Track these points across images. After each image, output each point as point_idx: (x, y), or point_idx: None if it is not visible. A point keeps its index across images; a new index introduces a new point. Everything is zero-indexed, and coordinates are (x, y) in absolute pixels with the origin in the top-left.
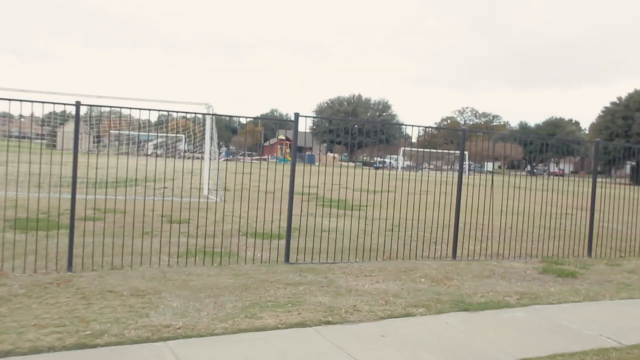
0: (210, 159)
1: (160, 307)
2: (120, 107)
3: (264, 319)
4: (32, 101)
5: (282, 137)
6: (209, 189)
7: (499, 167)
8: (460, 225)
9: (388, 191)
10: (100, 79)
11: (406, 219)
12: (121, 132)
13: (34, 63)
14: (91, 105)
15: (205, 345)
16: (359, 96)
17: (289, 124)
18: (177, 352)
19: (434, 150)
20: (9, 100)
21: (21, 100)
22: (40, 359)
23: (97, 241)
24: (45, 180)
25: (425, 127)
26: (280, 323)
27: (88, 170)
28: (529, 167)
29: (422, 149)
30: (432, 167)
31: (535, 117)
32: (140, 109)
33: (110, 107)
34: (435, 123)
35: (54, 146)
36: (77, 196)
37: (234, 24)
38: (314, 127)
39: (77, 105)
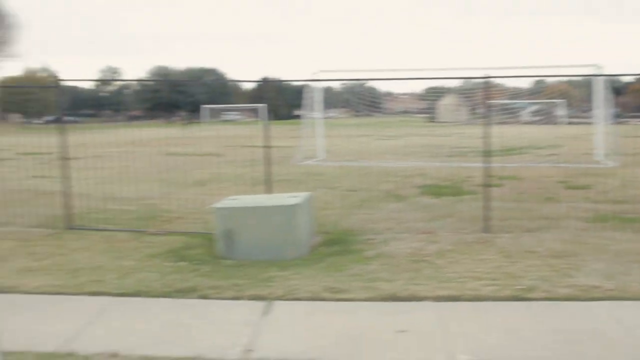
0: (601, 122)
1: (582, 268)
2: (523, 77)
3: None
4: (444, 78)
5: None
6: (603, 154)
7: None
8: None
9: None
10: (469, 50)
11: None
12: (499, 101)
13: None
14: (500, 77)
15: None
16: None
17: None
18: (612, 313)
19: None
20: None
21: (439, 78)
22: (483, 306)
23: (504, 206)
24: (437, 150)
25: None
26: None
27: (473, 140)
28: None
29: None
30: None
31: None
32: (533, 76)
33: (517, 77)
34: None
35: (433, 119)
36: (473, 165)
37: None
38: None
39: (486, 78)
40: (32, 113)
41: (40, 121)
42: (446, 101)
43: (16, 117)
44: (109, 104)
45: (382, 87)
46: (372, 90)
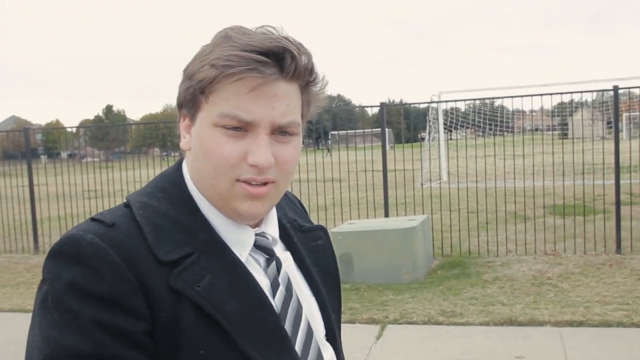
0: None
1: None
2: None
3: None
4: (564, 92)
5: None
6: None
7: None
8: None
9: None
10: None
11: None
12: (636, 113)
13: (532, 57)
14: (630, 88)
15: None
16: None
17: None
18: None
19: None
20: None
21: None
22: (610, 332)
23: (639, 226)
24: (566, 168)
25: None
26: None
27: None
28: None
29: None
30: None
31: None
32: None
33: None
34: None
35: (565, 135)
36: (606, 182)
37: None
38: None
39: (615, 89)
40: (170, 147)
41: (177, 154)
42: (578, 116)
43: (156, 151)
44: None
45: (509, 105)
46: (498, 109)
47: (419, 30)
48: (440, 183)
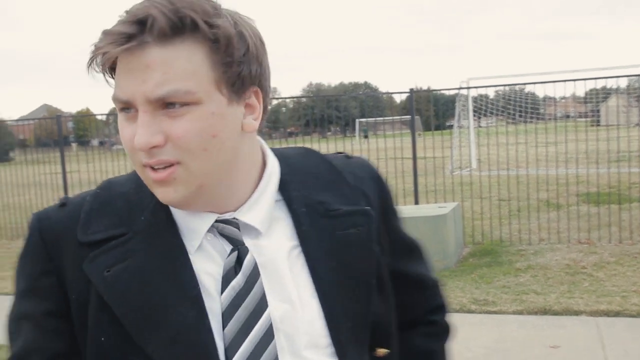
0: None
1: None
2: None
3: None
4: (597, 77)
5: None
6: None
7: None
8: None
9: None
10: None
11: None
12: None
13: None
14: None
15: None
16: None
17: None
18: None
19: None
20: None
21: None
22: None
23: None
24: (600, 156)
25: None
26: None
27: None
28: None
29: None
30: None
31: None
32: None
33: None
34: None
35: (597, 122)
36: None
37: None
38: None
39: None
40: None
41: None
42: (612, 102)
43: None
44: (267, 121)
45: (539, 92)
46: (528, 96)
47: (444, 16)
48: (470, 170)
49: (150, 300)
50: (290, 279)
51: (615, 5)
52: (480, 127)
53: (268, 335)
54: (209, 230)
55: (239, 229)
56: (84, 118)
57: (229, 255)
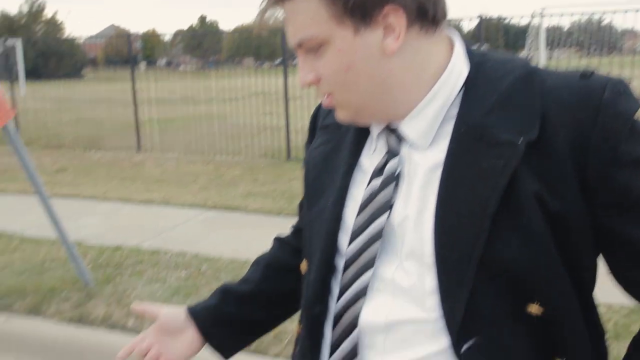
0: None
1: None
2: None
3: None
4: None
5: None
6: None
7: None
8: None
9: None
10: None
11: None
12: None
13: None
14: None
15: None
16: None
17: None
18: None
19: None
20: None
21: None
22: None
23: None
24: None
25: None
26: None
27: None
28: None
29: None
30: None
31: None
32: None
33: None
34: None
35: None
36: None
37: None
38: None
39: None
40: (263, 56)
41: (270, 64)
42: None
43: (250, 61)
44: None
45: (619, 23)
46: (606, 28)
47: None
48: None
49: (319, 178)
50: (418, 195)
51: None
52: (550, 59)
53: (375, 236)
54: (379, 137)
55: (401, 138)
56: (152, 38)
57: (381, 160)
